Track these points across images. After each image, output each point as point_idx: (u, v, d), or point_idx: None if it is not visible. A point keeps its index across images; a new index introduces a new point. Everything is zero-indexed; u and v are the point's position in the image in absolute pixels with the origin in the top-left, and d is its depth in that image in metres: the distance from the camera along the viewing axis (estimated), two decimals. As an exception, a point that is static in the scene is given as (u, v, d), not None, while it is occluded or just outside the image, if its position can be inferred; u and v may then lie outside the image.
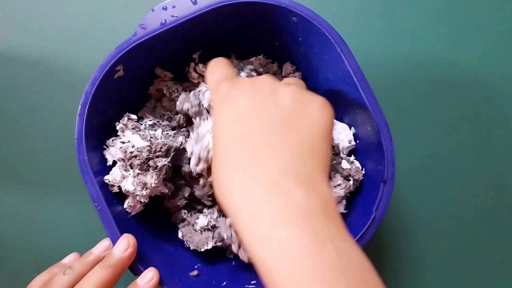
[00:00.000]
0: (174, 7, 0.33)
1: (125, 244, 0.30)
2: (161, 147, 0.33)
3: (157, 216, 0.37)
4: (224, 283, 0.34)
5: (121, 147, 0.33)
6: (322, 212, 0.23)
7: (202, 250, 0.35)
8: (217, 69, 0.31)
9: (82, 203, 0.42)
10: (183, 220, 0.37)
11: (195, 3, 0.33)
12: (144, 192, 0.32)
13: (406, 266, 0.43)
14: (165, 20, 0.33)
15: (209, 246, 0.35)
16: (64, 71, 0.44)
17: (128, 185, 0.32)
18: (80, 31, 0.45)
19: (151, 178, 0.32)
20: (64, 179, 0.43)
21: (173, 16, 0.33)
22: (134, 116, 0.35)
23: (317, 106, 0.27)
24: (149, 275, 0.31)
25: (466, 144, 0.44)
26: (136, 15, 0.44)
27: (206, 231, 0.35)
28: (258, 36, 0.37)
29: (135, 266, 0.31)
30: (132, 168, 0.32)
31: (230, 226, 0.34)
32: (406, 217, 0.43)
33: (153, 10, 0.33)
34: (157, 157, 0.33)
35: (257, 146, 0.25)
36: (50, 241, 0.42)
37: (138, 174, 0.32)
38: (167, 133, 0.35)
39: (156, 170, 0.33)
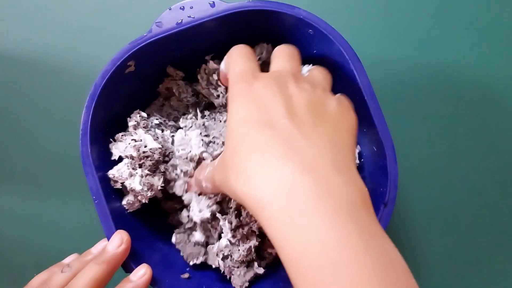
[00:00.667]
0: (191, 7, 0.33)
1: (119, 240, 0.30)
2: (170, 152, 0.33)
3: (154, 215, 0.36)
4: (214, 288, 0.34)
5: (134, 145, 0.32)
6: (363, 204, 0.22)
7: (191, 263, 0.35)
8: (240, 60, 0.29)
9: (82, 203, 0.42)
10: (180, 222, 0.36)
11: (213, 5, 0.33)
12: (149, 193, 0.32)
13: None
14: (182, 20, 0.33)
15: (198, 262, 0.35)
16: (64, 71, 0.44)
17: (135, 184, 0.32)
18: (81, 31, 0.44)
19: (158, 181, 0.32)
20: (64, 179, 0.43)
21: (189, 16, 0.33)
22: (144, 114, 0.35)
23: (343, 105, 0.27)
24: (142, 271, 0.31)
25: (467, 144, 0.44)
26: (136, 16, 0.45)
27: (199, 246, 0.35)
28: (272, 44, 0.37)
29: (128, 264, 0.31)
30: (141, 167, 0.32)
31: (217, 254, 0.33)
32: (405, 217, 0.43)
33: (170, 9, 0.33)
34: (165, 161, 0.33)
35: (286, 130, 0.23)
36: (50, 241, 0.42)
37: (147, 174, 0.32)
38: (173, 135, 0.35)
39: (162, 173, 0.33)
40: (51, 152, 0.43)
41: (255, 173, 0.22)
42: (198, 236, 0.35)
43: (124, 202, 0.34)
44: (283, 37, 0.36)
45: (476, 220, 0.43)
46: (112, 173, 0.33)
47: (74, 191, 0.42)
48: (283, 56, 0.30)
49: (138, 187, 0.32)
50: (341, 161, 0.23)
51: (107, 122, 0.34)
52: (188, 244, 0.35)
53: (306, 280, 0.20)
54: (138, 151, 0.32)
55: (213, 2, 0.33)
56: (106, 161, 0.34)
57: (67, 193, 0.43)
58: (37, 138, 0.43)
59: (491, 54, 0.45)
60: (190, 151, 0.33)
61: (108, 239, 0.31)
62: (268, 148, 0.23)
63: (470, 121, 0.44)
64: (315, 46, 0.35)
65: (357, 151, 0.37)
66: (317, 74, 0.30)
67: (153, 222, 0.36)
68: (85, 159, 0.32)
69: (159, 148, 0.33)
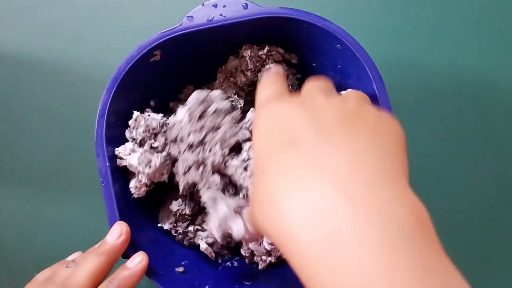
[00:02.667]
0: (224, 6, 0.33)
1: (118, 232, 0.31)
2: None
3: (157, 205, 0.37)
4: (207, 286, 0.34)
5: (146, 120, 0.33)
6: (417, 227, 0.17)
7: (158, 225, 0.36)
8: (265, 86, 0.28)
9: (83, 203, 0.42)
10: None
11: (245, 7, 0.33)
12: (147, 170, 0.32)
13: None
14: (213, 17, 0.33)
15: (165, 226, 0.36)
16: (65, 71, 0.44)
17: (133, 160, 0.32)
18: (81, 31, 0.44)
19: (157, 158, 0.32)
20: (64, 179, 0.42)
21: (221, 15, 0.33)
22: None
23: (386, 116, 0.23)
24: (138, 259, 0.31)
25: (471, 144, 0.43)
26: (135, 16, 0.45)
27: (171, 214, 0.36)
28: (298, 53, 0.37)
29: (127, 253, 0.31)
30: (141, 146, 0.33)
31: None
32: None
33: (203, 5, 0.33)
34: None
35: (313, 146, 0.20)
36: (50, 241, 0.42)
37: (146, 151, 0.32)
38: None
39: (164, 152, 0.33)
40: (51, 152, 0.43)
41: (280, 199, 0.20)
42: (174, 207, 0.35)
43: (131, 185, 0.34)
44: (311, 46, 0.36)
45: (480, 221, 0.43)
46: (119, 150, 0.33)
47: (74, 191, 0.42)
48: (314, 80, 0.27)
49: (135, 162, 0.32)
50: (384, 172, 0.19)
51: (124, 108, 0.34)
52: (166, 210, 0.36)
53: None
54: (147, 126, 0.33)
55: (246, 3, 0.33)
56: (117, 146, 0.34)
57: (68, 193, 0.42)
58: (37, 138, 0.43)
59: (495, 55, 0.44)
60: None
61: (110, 224, 0.31)
62: (294, 169, 0.20)
63: (474, 123, 0.44)
64: (340, 61, 0.35)
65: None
66: (350, 93, 0.29)
67: (155, 212, 0.36)
68: (99, 141, 0.32)
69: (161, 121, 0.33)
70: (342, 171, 0.19)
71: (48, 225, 0.42)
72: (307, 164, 0.20)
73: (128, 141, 0.34)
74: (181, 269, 0.34)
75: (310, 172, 0.19)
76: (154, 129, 0.33)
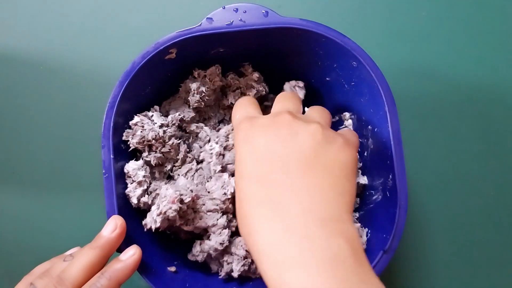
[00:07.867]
0: (245, 12, 0.33)
1: (113, 226, 0.31)
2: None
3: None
4: (197, 288, 0.34)
5: (143, 130, 0.33)
6: (347, 256, 0.23)
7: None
8: (240, 108, 0.32)
9: (82, 203, 0.42)
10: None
11: (266, 15, 0.33)
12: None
13: (410, 265, 0.43)
14: (232, 21, 0.33)
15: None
16: (64, 71, 0.44)
17: (168, 191, 0.32)
18: (80, 31, 0.44)
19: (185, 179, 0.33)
20: (64, 179, 0.42)
21: (241, 20, 0.33)
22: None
23: (337, 146, 0.27)
24: (131, 252, 0.31)
25: (473, 147, 0.43)
26: (134, 15, 0.44)
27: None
28: (312, 66, 0.37)
29: (122, 248, 0.31)
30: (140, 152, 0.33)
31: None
32: (411, 217, 0.43)
33: (224, 8, 0.33)
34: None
35: (278, 188, 0.25)
36: (50, 241, 0.42)
37: (171, 179, 0.33)
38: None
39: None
40: (51, 152, 0.43)
41: (252, 230, 0.25)
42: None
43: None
44: (326, 60, 0.36)
45: (480, 221, 0.43)
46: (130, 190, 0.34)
47: (75, 191, 0.42)
48: (284, 97, 0.33)
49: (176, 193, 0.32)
50: (330, 214, 0.25)
51: (133, 102, 0.34)
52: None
53: None
54: (142, 138, 0.33)
55: (267, 11, 0.33)
56: (121, 139, 0.34)
57: (67, 193, 0.42)
58: (37, 138, 0.43)
59: (498, 56, 0.44)
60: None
61: (108, 216, 0.31)
62: (266, 207, 0.25)
63: (474, 124, 0.44)
64: (354, 79, 0.35)
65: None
66: (312, 113, 0.32)
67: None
68: (106, 132, 0.32)
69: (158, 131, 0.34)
70: (293, 214, 0.24)
71: (48, 225, 0.42)
72: (269, 206, 0.25)
73: (126, 142, 0.34)
74: (173, 268, 0.34)
75: (270, 214, 0.25)
76: (149, 141, 0.33)
